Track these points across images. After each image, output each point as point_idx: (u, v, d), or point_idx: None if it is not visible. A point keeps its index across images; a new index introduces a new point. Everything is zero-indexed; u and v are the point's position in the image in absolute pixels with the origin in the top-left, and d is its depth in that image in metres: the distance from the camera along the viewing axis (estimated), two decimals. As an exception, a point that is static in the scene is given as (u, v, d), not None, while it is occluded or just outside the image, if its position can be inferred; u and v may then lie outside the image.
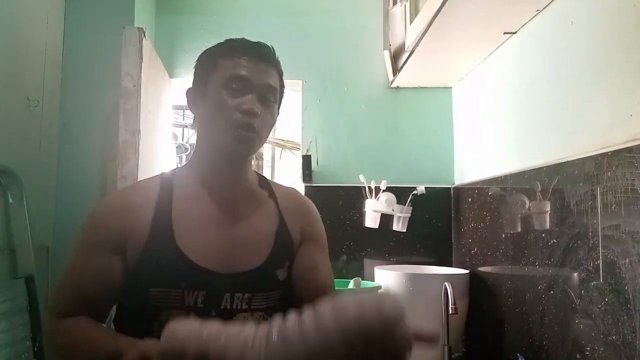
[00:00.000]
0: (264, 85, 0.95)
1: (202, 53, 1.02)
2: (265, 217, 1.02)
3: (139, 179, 1.57)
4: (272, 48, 1.00)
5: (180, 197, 0.97)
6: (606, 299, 1.04)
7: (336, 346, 0.63)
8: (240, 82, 0.93)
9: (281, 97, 1.02)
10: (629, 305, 0.96)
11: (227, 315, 0.90)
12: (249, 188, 1.03)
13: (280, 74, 1.00)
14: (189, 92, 1.01)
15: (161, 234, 0.92)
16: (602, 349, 1.05)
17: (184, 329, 0.69)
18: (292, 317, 0.68)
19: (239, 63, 0.94)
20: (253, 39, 1.01)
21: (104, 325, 0.97)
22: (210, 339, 0.67)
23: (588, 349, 1.10)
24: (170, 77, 2.19)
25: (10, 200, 1.68)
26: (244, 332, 0.68)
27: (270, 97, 0.96)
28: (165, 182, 0.99)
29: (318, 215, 1.11)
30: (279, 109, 1.02)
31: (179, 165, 1.25)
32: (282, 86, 1.01)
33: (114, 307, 1.00)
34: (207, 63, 0.98)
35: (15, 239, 1.70)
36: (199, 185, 0.99)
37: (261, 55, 0.97)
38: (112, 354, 0.80)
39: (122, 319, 0.99)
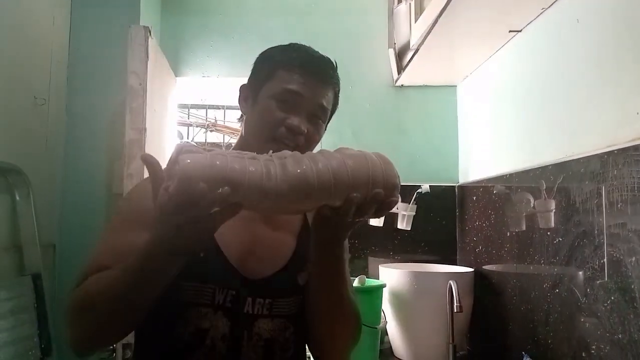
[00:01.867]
0: (317, 104, 0.92)
1: (264, 53, 0.98)
2: (289, 220, 0.99)
3: (144, 178, 1.58)
4: (335, 63, 0.96)
5: None
6: (612, 298, 1.03)
7: (345, 177, 0.69)
8: (293, 97, 0.90)
9: (332, 114, 1.00)
10: (635, 304, 0.96)
11: (249, 320, 0.87)
12: None
13: (336, 93, 0.98)
14: (242, 89, 0.99)
15: None
16: (608, 348, 1.05)
17: (202, 156, 0.64)
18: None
19: (297, 78, 0.90)
20: (299, 42, 0.99)
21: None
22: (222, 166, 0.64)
23: (594, 347, 1.10)
24: (176, 76, 2.20)
25: (17, 198, 1.70)
26: (259, 159, 0.68)
27: (320, 116, 0.93)
28: None
29: None
30: (326, 126, 0.99)
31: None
32: (335, 104, 0.99)
33: None
34: (265, 67, 0.95)
35: (22, 237, 1.71)
36: None
37: (320, 72, 0.93)
38: (138, 254, 0.73)
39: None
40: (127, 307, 0.77)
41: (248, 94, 0.97)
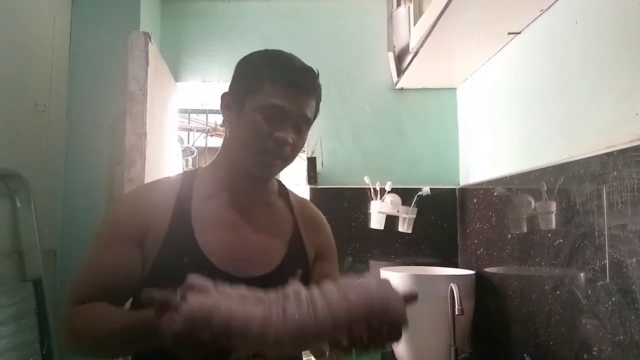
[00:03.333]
0: (301, 116, 0.95)
1: (245, 61, 0.99)
2: (280, 225, 1.03)
3: (145, 183, 1.58)
4: (317, 72, 0.98)
5: (199, 197, 0.97)
6: (613, 299, 1.03)
7: (343, 321, 0.69)
8: (279, 111, 0.92)
9: (314, 119, 1.02)
10: (636, 305, 0.96)
11: None
12: (268, 196, 1.05)
13: (318, 102, 1.00)
14: (224, 97, 1.00)
15: (181, 232, 0.92)
16: (609, 349, 1.05)
17: (208, 301, 0.70)
18: (302, 291, 0.73)
19: (282, 93, 0.92)
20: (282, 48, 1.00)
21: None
22: (232, 309, 0.69)
23: (595, 349, 1.10)
24: (176, 81, 2.20)
25: (18, 204, 1.70)
26: (262, 302, 0.71)
27: (304, 126, 0.97)
28: (186, 181, 0.99)
29: (330, 229, 1.13)
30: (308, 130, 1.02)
31: (186, 169, 1.22)
32: (317, 112, 1.01)
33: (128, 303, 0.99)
34: (249, 78, 0.96)
35: (23, 243, 1.71)
36: (218, 188, 0.99)
37: (305, 85, 0.95)
38: (133, 323, 0.80)
39: None
40: (120, 353, 0.89)
41: (230, 102, 0.98)
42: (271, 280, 0.94)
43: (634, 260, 0.96)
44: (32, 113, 1.78)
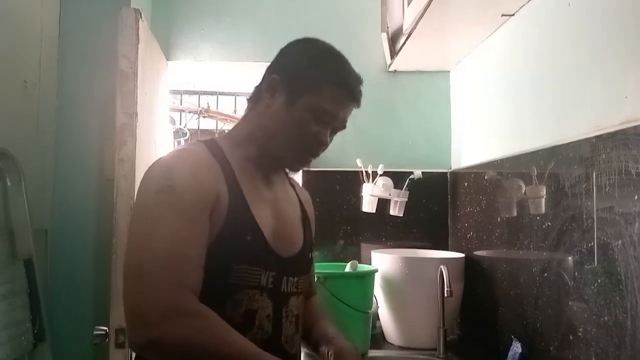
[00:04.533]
0: (343, 122, 1.00)
1: (307, 55, 0.98)
2: (293, 203, 1.08)
3: (136, 163, 1.57)
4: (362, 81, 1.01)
5: (240, 174, 0.93)
6: (599, 281, 1.05)
7: None
8: (330, 116, 0.95)
9: None
10: (621, 286, 0.97)
11: (286, 299, 0.94)
12: (283, 177, 1.09)
13: None
14: (273, 81, 0.96)
15: (239, 206, 0.88)
16: (594, 330, 1.07)
17: None
18: None
19: (339, 100, 0.95)
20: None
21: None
22: None
23: (581, 330, 1.12)
24: (167, 60, 2.18)
25: (9, 184, 1.68)
26: None
27: (338, 132, 1.02)
28: (217, 153, 0.93)
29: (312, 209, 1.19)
30: None
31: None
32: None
33: None
34: (311, 77, 0.94)
35: (14, 222, 1.70)
36: (252, 167, 0.98)
37: (358, 95, 0.99)
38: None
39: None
40: None
41: (279, 90, 0.95)
42: (302, 258, 1.00)
43: (619, 242, 0.98)
44: (21, 91, 1.76)
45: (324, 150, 0.99)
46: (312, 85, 0.93)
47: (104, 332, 1.57)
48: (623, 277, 0.97)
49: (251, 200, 0.90)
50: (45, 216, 1.92)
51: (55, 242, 1.92)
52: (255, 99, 1.01)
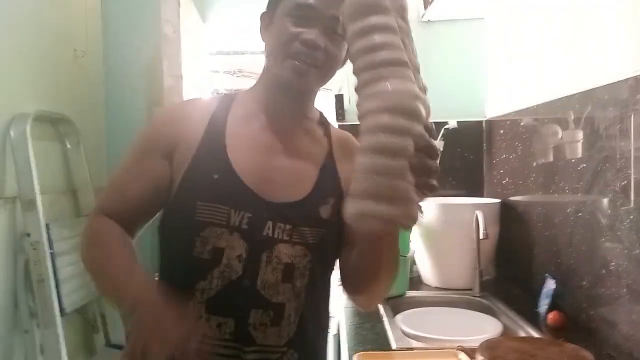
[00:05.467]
0: (332, 16, 0.87)
1: None
2: (314, 153, 0.98)
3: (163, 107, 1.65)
4: None
5: (236, 116, 0.95)
6: (631, 217, 1.09)
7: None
8: (305, 10, 0.88)
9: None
10: (652, 221, 1.02)
11: (269, 244, 0.88)
12: (305, 122, 1.00)
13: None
14: (262, 17, 0.97)
15: (213, 146, 0.90)
16: (626, 263, 1.12)
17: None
18: None
19: None
20: None
21: (133, 241, 0.95)
22: None
23: (613, 264, 1.18)
24: (203, 22, 2.24)
25: (68, 146, 1.83)
26: None
27: (338, 30, 0.88)
28: (224, 101, 0.98)
29: None
30: (347, 55, 0.93)
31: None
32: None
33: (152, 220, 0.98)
34: None
35: (76, 182, 1.86)
36: (256, 109, 0.96)
37: None
38: (118, 286, 0.85)
39: (165, 231, 0.95)
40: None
41: (266, 21, 0.96)
42: (303, 207, 0.92)
43: (652, 179, 1.02)
44: (72, 59, 1.87)
45: (321, 55, 0.89)
46: None
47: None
48: (654, 212, 1.01)
49: (234, 144, 0.91)
50: (102, 176, 2.07)
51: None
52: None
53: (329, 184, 0.96)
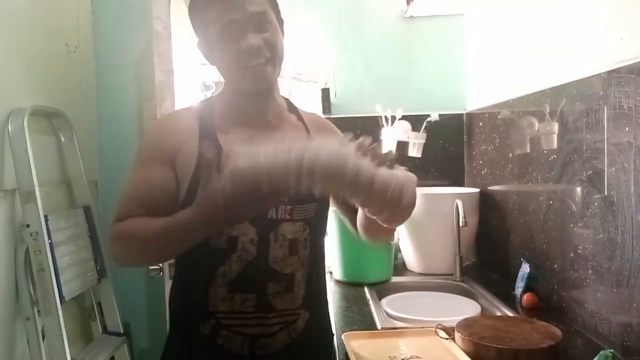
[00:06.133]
0: (251, 15, 0.96)
1: (189, 12, 1.05)
2: (296, 136, 1.06)
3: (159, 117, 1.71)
4: None
5: (220, 120, 1.04)
6: (595, 204, 1.19)
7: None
8: (231, 26, 0.96)
9: (277, 12, 1.04)
10: (613, 208, 1.12)
11: (274, 225, 1.01)
12: (279, 112, 1.10)
13: None
14: (199, 47, 1.06)
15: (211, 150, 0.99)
16: (591, 247, 1.22)
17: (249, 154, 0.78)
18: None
19: (214, 8, 0.97)
20: None
21: None
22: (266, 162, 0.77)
23: (580, 247, 1.28)
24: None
25: (62, 139, 1.87)
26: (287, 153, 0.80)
27: (263, 22, 0.98)
28: (205, 105, 1.08)
29: (340, 133, 1.18)
30: (281, 25, 1.04)
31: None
32: (273, 3, 1.03)
33: None
34: (197, 20, 1.02)
35: (70, 174, 1.90)
36: (234, 112, 1.05)
37: None
38: (175, 221, 0.86)
39: None
40: (162, 255, 1.01)
41: (204, 48, 1.05)
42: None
43: (613, 169, 1.11)
44: (65, 55, 1.91)
45: (265, 50, 0.97)
46: (200, 23, 1.00)
47: (158, 267, 1.79)
48: (615, 200, 1.11)
49: (227, 144, 0.97)
50: (94, 169, 2.11)
51: (105, 192, 2.13)
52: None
53: None
